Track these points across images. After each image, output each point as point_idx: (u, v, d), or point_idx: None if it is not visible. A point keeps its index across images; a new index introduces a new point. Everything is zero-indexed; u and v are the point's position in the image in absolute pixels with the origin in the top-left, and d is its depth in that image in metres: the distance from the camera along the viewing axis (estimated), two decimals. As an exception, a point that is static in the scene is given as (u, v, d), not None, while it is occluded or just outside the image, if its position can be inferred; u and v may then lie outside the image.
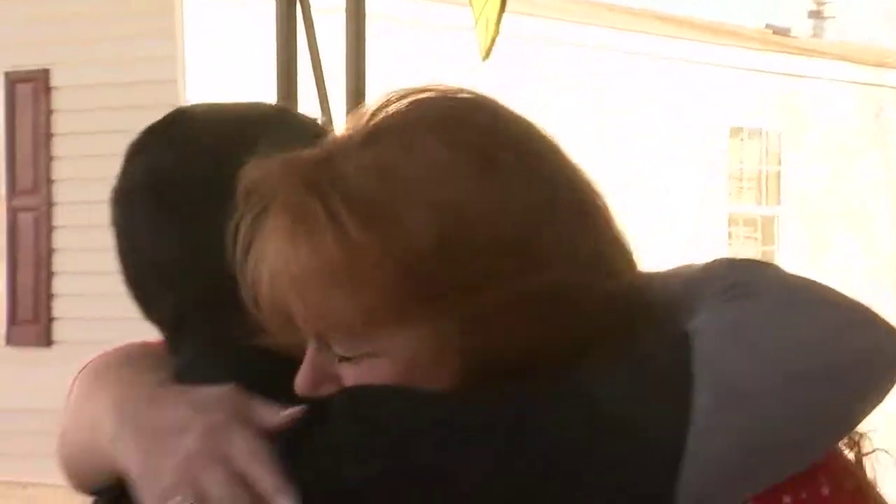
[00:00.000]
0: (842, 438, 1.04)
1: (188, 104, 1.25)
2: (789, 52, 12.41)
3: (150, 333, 1.25)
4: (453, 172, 1.04)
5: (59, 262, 8.47)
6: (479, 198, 1.03)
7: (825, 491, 1.03)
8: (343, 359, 1.05)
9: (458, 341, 1.02)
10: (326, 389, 1.05)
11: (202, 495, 1.02)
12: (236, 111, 1.24)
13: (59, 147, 8.47)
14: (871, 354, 1.02)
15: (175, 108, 1.25)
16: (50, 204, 8.47)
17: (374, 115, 1.08)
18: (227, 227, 1.08)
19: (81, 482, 1.19)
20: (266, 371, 1.09)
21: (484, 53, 3.92)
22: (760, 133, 11.94)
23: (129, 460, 1.07)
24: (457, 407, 1.01)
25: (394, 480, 0.99)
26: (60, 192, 8.45)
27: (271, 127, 1.13)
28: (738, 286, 1.05)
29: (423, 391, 1.02)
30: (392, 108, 1.08)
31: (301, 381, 1.06)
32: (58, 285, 8.48)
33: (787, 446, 0.99)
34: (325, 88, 3.97)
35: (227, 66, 7.70)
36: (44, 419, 8.92)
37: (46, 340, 8.48)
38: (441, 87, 1.11)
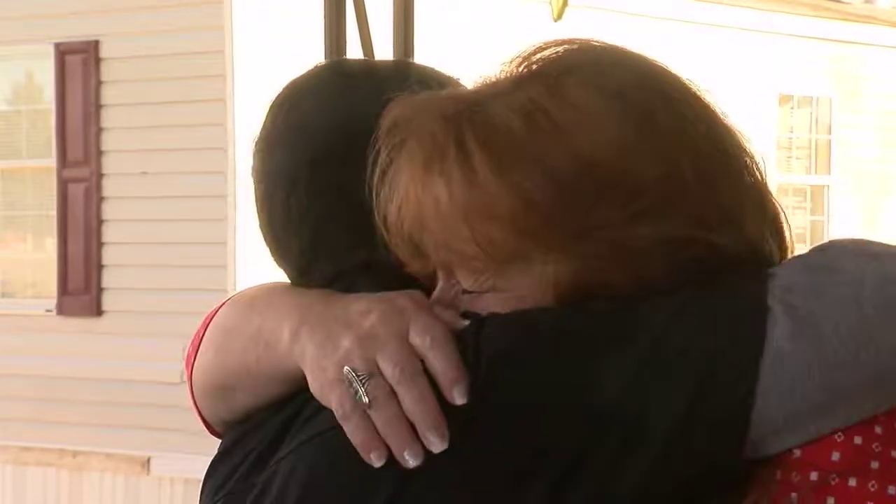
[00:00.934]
0: None
1: (344, 59, 1.26)
2: (841, 19, 12.28)
3: (197, 305, 1.25)
4: (597, 119, 1.05)
5: (108, 233, 8.53)
6: (618, 147, 1.05)
7: None
8: (466, 291, 1.08)
9: (573, 281, 1.04)
10: None
11: (374, 370, 1.03)
12: (381, 67, 1.26)
13: (108, 119, 8.51)
14: None
15: (325, 62, 1.26)
16: (100, 175, 8.52)
17: (525, 59, 1.10)
18: (361, 177, 1.10)
19: (231, 410, 1.17)
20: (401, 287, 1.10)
21: (556, 14, 3.91)
22: (811, 101, 11.83)
23: (306, 349, 1.07)
24: (595, 321, 1.03)
25: (550, 386, 1.01)
26: (110, 164, 8.50)
27: (414, 82, 1.14)
28: (821, 246, 1.08)
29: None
30: (544, 54, 1.10)
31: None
32: (107, 256, 8.53)
33: (864, 381, 1.00)
34: (373, 54, 3.96)
35: (275, 36, 7.70)
36: (93, 388, 9.00)
37: (96, 310, 8.54)
38: (588, 39, 1.12)
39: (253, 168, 1.22)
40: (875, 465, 0.99)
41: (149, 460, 8.15)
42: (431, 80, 1.17)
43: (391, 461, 1.01)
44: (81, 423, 8.43)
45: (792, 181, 11.77)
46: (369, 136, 1.09)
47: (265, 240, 1.22)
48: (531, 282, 1.06)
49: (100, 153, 8.52)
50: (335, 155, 1.15)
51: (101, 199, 8.52)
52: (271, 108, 1.22)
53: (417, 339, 1.03)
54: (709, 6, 11.02)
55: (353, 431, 1.02)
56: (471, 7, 8.86)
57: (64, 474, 8.59)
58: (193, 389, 1.21)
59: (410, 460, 1.00)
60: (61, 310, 8.65)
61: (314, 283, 1.17)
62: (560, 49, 1.10)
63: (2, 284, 9.19)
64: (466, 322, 1.06)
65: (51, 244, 8.79)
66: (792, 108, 11.81)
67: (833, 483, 0.99)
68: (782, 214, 1.12)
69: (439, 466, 1.01)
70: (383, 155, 1.07)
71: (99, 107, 8.51)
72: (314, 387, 1.06)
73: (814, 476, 0.99)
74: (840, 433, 1.00)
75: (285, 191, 1.18)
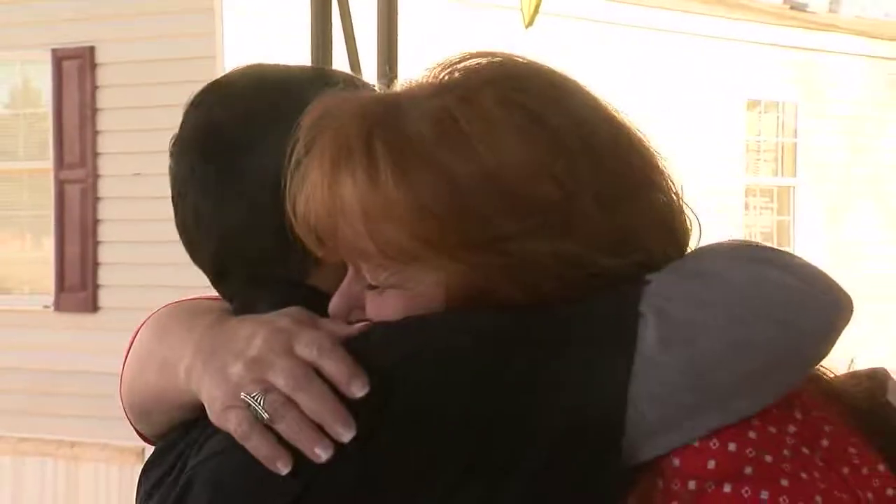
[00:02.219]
0: (794, 378, 1.03)
1: (258, 63, 1.25)
2: (806, 27, 12.32)
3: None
4: (505, 134, 1.04)
5: (104, 232, 8.51)
6: (522, 164, 1.04)
7: (797, 413, 1.02)
8: (370, 286, 1.07)
9: (463, 287, 1.04)
10: (355, 316, 1.08)
11: (269, 388, 1.02)
12: (288, 73, 1.24)
13: (104, 122, 8.49)
14: (812, 300, 1.03)
15: (243, 66, 1.25)
16: (95, 176, 8.50)
17: (449, 67, 1.09)
18: (265, 180, 1.09)
19: (154, 428, 1.18)
20: (306, 303, 1.09)
21: (527, 21, 3.89)
22: (777, 106, 11.87)
23: (202, 382, 1.06)
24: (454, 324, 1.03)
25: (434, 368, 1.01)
26: (105, 165, 8.48)
27: (317, 88, 1.13)
28: (697, 251, 1.08)
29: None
30: (467, 64, 1.09)
31: (334, 305, 1.09)
32: (103, 254, 8.52)
33: (734, 382, 0.99)
34: (359, 67, 3.96)
35: (263, 43, 7.69)
36: (89, 382, 9.00)
37: (93, 307, 8.52)
38: (511, 54, 1.11)
39: (169, 168, 1.20)
40: (748, 470, 0.98)
41: (143, 451, 8.13)
42: (349, 85, 1.16)
43: (274, 476, 1.00)
44: (78, 415, 8.41)
45: (759, 182, 11.80)
46: (282, 141, 1.08)
47: (181, 240, 1.21)
48: (428, 283, 1.04)
49: (95, 155, 8.50)
50: (251, 163, 1.14)
51: (96, 199, 8.50)
52: (186, 109, 1.21)
53: (304, 351, 1.02)
54: (678, 14, 11.04)
55: (256, 448, 1.01)
56: (452, 13, 8.86)
57: (61, 464, 8.56)
58: (124, 407, 1.22)
59: (322, 454, 0.99)
60: (59, 306, 8.63)
61: (229, 287, 1.17)
62: (483, 61, 1.08)
63: (1, 281, 9.16)
64: (353, 327, 1.05)
65: (48, 243, 8.76)
66: (759, 112, 11.84)
67: (710, 491, 0.98)
68: (692, 233, 1.10)
69: (340, 470, 0.99)
70: (300, 145, 1.06)
71: (94, 110, 8.49)
72: (212, 416, 1.05)
73: (692, 485, 0.98)
74: (715, 440, 0.99)
75: (196, 193, 1.17)
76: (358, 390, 1.00)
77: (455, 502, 0.98)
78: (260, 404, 1.01)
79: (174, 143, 1.20)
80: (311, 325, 1.05)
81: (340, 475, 1.00)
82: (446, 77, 1.08)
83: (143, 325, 1.21)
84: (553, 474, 0.99)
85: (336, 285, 1.10)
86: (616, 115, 1.09)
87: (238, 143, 1.16)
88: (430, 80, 1.09)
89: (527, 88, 1.06)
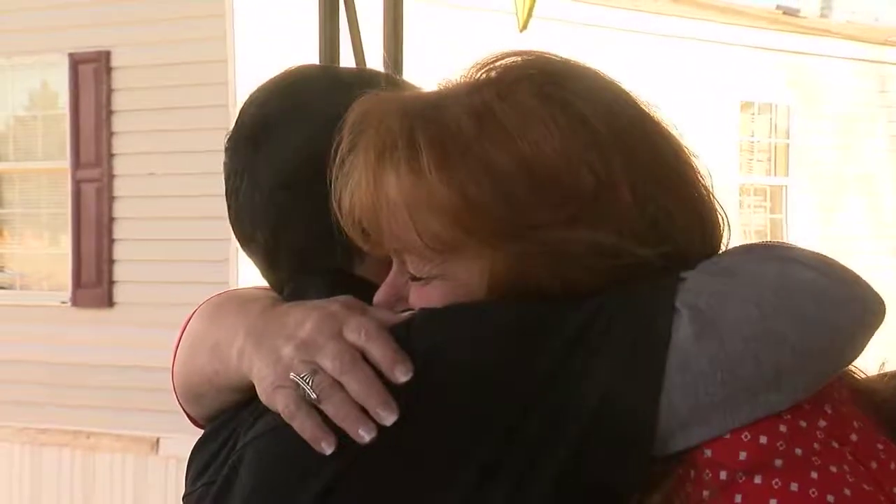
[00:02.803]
0: (824, 374, 1.02)
1: (297, 66, 1.26)
2: (798, 32, 12.31)
3: (201, 297, 1.26)
4: (542, 126, 1.04)
5: (119, 230, 8.51)
6: (559, 154, 1.04)
7: (827, 408, 1.02)
8: (414, 278, 1.07)
9: (505, 276, 1.04)
10: (400, 307, 1.08)
11: (318, 370, 1.02)
12: (342, 75, 1.25)
13: (119, 123, 8.49)
14: (845, 299, 1.03)
15: (293, 66, 1.25)
16: (111, 176, 8.50)
17: (485, 66, 1.09)
18: (317, 179, 1.09)
19: (206, 409, 1.18)
20: (353, 291, 1.10)
21: (521, 25, 3.87)
22: (770, 107, 11.86)
23: (253, 363, 1.07)
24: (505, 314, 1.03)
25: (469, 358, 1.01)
26: (120, 165, 8.49)
27: (361, 87, 1.13)
28: (729, 250, 1.08)
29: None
30: (503, 62, 1.09)
31: (379, 297, 1.09)
32: (118, 251, 8.52)
33: (764, 378, 0.99)
34: (364, 58, 3.96)
35: (273, 47, 7.69)
36: (105, 374, 8.99)
37: (108, 302, 8.53)
38: (545, 52, 1.11)
39: (224, 164, 1.21)
40: (779, 462, 0.98)
41: (157, 441, 8.14)
42: (388, 85, 1.17)
43: (319, 456, 1.01)
44: (94, 407, 8.41)
45: (753, 182, 11.79)
46: (334, 141, 1.09)
47: (234, 232, 1.21)
48: (470, 273, 1.05)
49: (111, 156, 8.50)
50: (299, 158, 1.15)
51: (112, 198, 8.51)
52: (242, 107, 1.22)
53: (352, 335, 1.03)
54: (674, 19, 11.04)
55: (302, 427, 1.02)
56: (456, 15, 8.86)
57: (78, 454, 8.57)
58: (175, 391, 1.22)
59: (366, 436, 1.00)
60: (75, 301, 8.63)
61: (281, 277, 1.18)
62: (518, 58, 1.09)
63: (20, 278, 9.17)
64: (400, 315, 1.06)
65: (65, 240, 8.76)
66: (753, 114, 11.83)
67: (740, 481, 0.97)
68: (722, 227, 1.10)
69: (380, 451, 1.00)
70: (345, 143, 1.07)
71: (110, 112, 8.49)
72: (261, 395, 1.06)
73: (723, 475, 0.98)
74: (747, 433, 0.98)
75: (250, 187, 1.18)
76: (402, 375, 1.01)
77: (482, 493, 0.98)
78: (308, 384, 1.02)
79: (229, 139, 1.21)
80: (361, 312, 1.05)
81: (380, 457, 1.00)
82: (483, 75, 1.08)
83: (192, 314, 1.21)
84: (581, 466, 0.98)
85: (379, 276, 1.10)
86: (649, 110, 1.10)
87: (285, 137, 1.17)
88: (467, 79, 1.09)
89: (561, 83, 1.06)
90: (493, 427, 0.99)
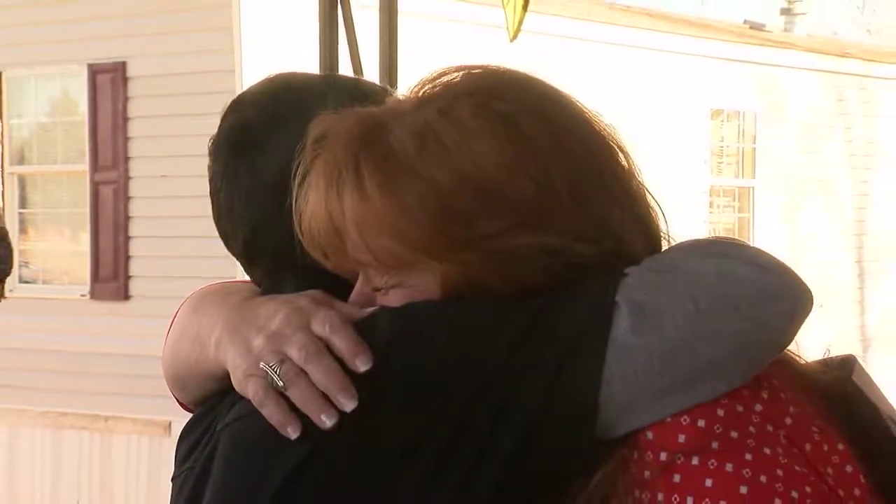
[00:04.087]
0: (757, 364, 1.01)
1: (283, 72, 1.25)
2: (764, 45, 12.32)
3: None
4: (482, 141, 1.02)
5: (134, 228, 8.50)
6: (499, 166, 1.02)
7: (764, 393, 1.01)
8: (376, 289, 1.06)
9: (457, 283, 1.03)
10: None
11: (285, 359, 1.02)
12: (306, 81, 1.23)
13: (134, 129, 8.48)
14: (776, 293, 1.02)
15: (271, 75, 1.24)
16: (127, 178, 8.49)
17: (429, 83, 1.08)
18: (284, 177, 1.09)
19: (190, 395, 1.18)
20: (326, 287, 1.09)
21: (512, 35, 3.83)
22: (738, 114, 11.87)
23: (228, 353, 1.07)
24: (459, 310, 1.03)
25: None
26: (135, 168, 8.47)
27: (326, 96, 1.13)
28: (671, 247, 1.07)
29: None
30: (444, 79, 1.08)
31: (351, 301, 1.08)
32: (133, 248, 8.51)
33: (700, 368, 0.98)
34: (362, 77, 3.96)
35: (277, 57, 7.69)
36: (121, 363, 8.99)
37: (124, 295, 8.52)
38: (489, 65, 1.09)
39: (208, 167, 1.21)
40: (715, 445, 0.97)
41: (170, 424, 8.13)
42: (355, 92, 1.16)
43: (285, 441, 1.00)
44: (111, 392, 8.40)
45: (722, 184, 11.80)
46: (298, 141, 1.08)
47: (218, 231, 1.21)
48: (425, 282, 1.04)
49: (127, 159, 8.49)
50: (276, 162, 1.13)
51: (128, 198, 8.49)
52: (223, 113, 1.21)
53: (318, 328, 1.03)
54: (650, 33, 11.04)
55: (271, 414, 1.01)
56: (448, 28, 8.86)
57: (96, 436, 8.56)
58: (165, 378, 1.22)
59: (327, 421, 0.99)
60: (94, 294, 8.62)
61: (260, 273, 1.17)
62: (459, 74, 1.07)
63: (42, 272, 9.15)
64: (365, 310, 1.05)
65: (84, 238, 8.75)
66: (722, 121, 11.84)
67: (679, 462, 0.97)
68: (658, 222, 1.08)
69: (343, 440, 0.99)
70: (304, 163, 1.06)
71: (126, 119, 8.48)
72: (235, 383, 1.06)
73: (663, 456, 0.97)
74: (686, 417, 0.98)
75: (230, 188, 1.17)
76: (362, 365, 1.00)
77: (434, 483, 0.97)
78: (276, 373, 1.02)
79: (212, 144, 1.21)
80: (328, 306, 1.05)
81: (342, 443, 1.00)
82: (427, 92, 1.07)
83: (181, 305, 1.21)
84: (529, 453, 0.98)
85: (351, 272, 1.10)
86: (585, 114, 1.08)
87: (263, 142, 1.16)
88: (413, 96, 1.07)
89: (500, 96, 1.05)
90: (445, 419, 0.98)
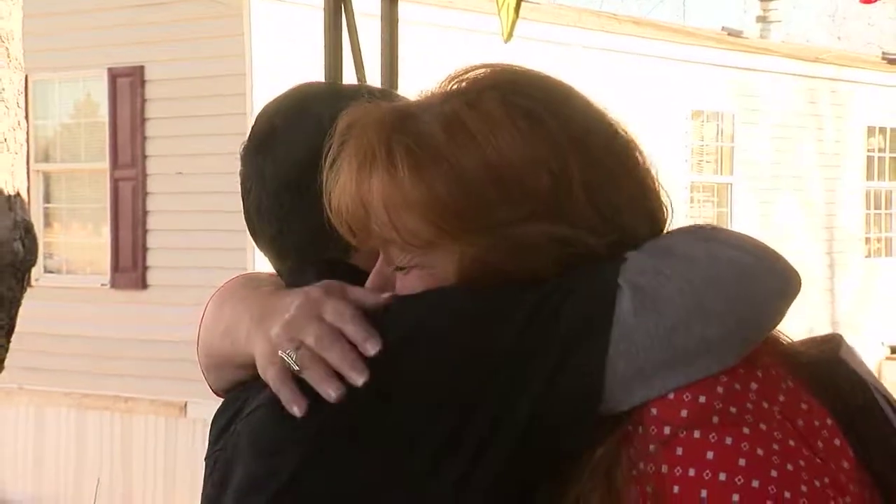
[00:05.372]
0: (750, 341, 1.01)
1: (305, 82, 1.26)
2: (741, 50, 12.32)
3: (222, 280, 1.25)
4: (505, 132, 1.03)
5: (151, 222, 8.50)
6: (520, 157, 1.03)
7: (758, 372, 1.01)
8: (397, 268, 1.06)
9: (474, 266, 1.03)
10: (386, 291, 1.07)
11: (299, 345, 1.03)
12: (330, 89, 1.25)
13: (151, 129, 8.47)
14: (765, 274, 1.02)
15: (297, 84, 1.25)
16: (144, 175, 8.48)
17: (456, 78, 1.08)
18: (315, 182, 1.09)
19: (222, 383, 1.19)
20: (345, 279, 1.10)
21: (506, 36, 3.81)
22: (717, 115, 11.87)
23: (254, 343, 1.08)
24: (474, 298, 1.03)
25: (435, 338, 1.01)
26: (153, 166, 8.47)
27: (348, 101, 1.13)
28: (667, 233, 1.07)
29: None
30: (471, 74, 1.08)
31: (369, 283, 1.09)
32: (151, 240, 8.50)
33: (696, 345, 0.98)
34: (364, 82, 3.95)
35: (285, 63, 7.67)
36: (140, 347, 8.99)
37: (142, 284, 8.51)
38: (510, 64, 1.10)
39: (239, 169, 1.22)
40: (716, 419, 0.97)
41: (185, 405, 8.13)
42: (383, 97, 1.16)
43: (298, 426, 1.01)
44: (130, 375, 8.41)
45: (702, 180, 11.81)
46: (321, 140, 1.09)
47: (248, 228, 1.22)
48: (444, 263, 1.04)
49: (144, 157, 8.48)
50: (299, 161, 1.15)
51: (145, 194, 8.49)
52: (255, 120, 1.22)
53: (331, 317, 1.03)
54: (635, 39, 11.03)
55: (285, 396, 1.02)
56: (446, 36, 8.85)
57: (117, 416, 8.56)
58: (200, 366, 1.22)
59: (333, 394, 1.00)
60: (114, 284, 8.62)
61: (286, 266, 1.18)
62: (485, 70, 1.07)
63: (66, 263, 9.15)
64: (379, 297, 1.05)
65: (105, 231, 8.74)
66: (702, 121, 11.84)
67: (682, 436, 0.97)
68: (667, 213, 1.08)
69: (353, 428, 1.00)
70: (334, 149, 1.06)
71: (144, 120, 8.47)
72: (259, 369, 1.07)
73: (667, 430, 0.97)
74: (688, 393, 0.98)
75: (258, 188, 1.18)
76: (372, 348, 1.00)
77: (447, 461, 0.97)
78: (292, 358, 1.03)
79: (243, 149, 1.21)
80: (340, 295, 1.05)
81: (353, 434, 1.00)
82: (455, 86, 1.07)
83: (211, 297, 1.22)
84: (539, 431, 0.97)
85: (370, 265, 1.10)
86: (602, 114, 1.08)
87: (290, 147, 1.17)
88: (440, 90, 1.08)
89: (524, 92, 1.05)
90: (454, 403, 0.97)
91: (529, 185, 1.02)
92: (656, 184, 1.09)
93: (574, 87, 1.09)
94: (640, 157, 1.08)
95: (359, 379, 0.99)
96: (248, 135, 1.22)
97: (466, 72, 1.08)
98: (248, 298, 1.13)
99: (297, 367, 1.02)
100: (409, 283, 1.06)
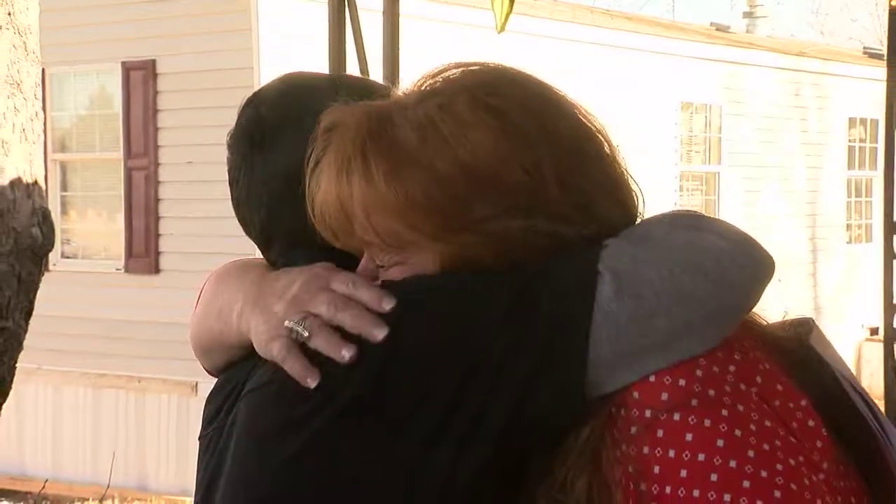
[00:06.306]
0: (727, 324, 1.01)
1: (295, 72, 1.24)
2: (729, 45, 12.29)
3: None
4: (478, 133, 1.02)
5: (163, 210, 8.49)
6: (493, 156, 1.02)
7: (736, 355, 1.01)
8: (379, 266, 1.06)
9: (453, 262, 1.02)
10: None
11: (307, 315, 1.01)
12: (315, 79, 1.22)
13: (163, 120, 8.45)
14: (740, 259, 1.01)
15: (282, 75, 1.23)
16: (157, 164, 8.47)
17: (431, 78, 1.07)
18: (295, 166, 1.08)
19: (214, 363, 1.18)
20: (335, 262, 1.08)
21: (499, 27, 3.77)
22: (705, 107, 11.85)
23: (250, 321, 1.06)
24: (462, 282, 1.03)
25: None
26: (165, 155, 8.46)
27: (335, 94, 1.12)
28: (646, 220, 1.06)
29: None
30: (445, 75, 1.06)
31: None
32: (163, 227, 8.50)
33: (676, 329, 0.98)
34: (367, 74, 3.95)
35: (290, 55, 7.66)
36: (153, 329, 8.99)
37: (155, 269, 8.51)
38: (486, 62, 1.08)
39: (227, 158, 1.20)
40: (695, 402, 0.97)
41: (196, 385, 8.15)
42: (362, 91, 1.14)
43: (299, 402, 1.00)
44: (143, 356, 8.41)
45: (691, 169, 11.80)
46: (309, 134, 1.07)
47: (237, 216, 1.19)
48: (425, 261, 1.03)
49: (157, 147, 8.47)
50: (287, 153, 1.13)
51: (157, 183, 8.48)
52: (240, 108, 1.20)
53: (341, 287, 1.02)
54: (627, 33, 11.01)
55: (292, 367, 1.01)
56: (444, 30, 8.83)
57: (131, 395, 8.57)
58: (192, 347, 1.21)
59: (347, 354, 0.99)
60: (128, 268, 8.62)
61: (274, 253, 1.16)
62: (459, 70, 1.06)
63: (82, 249, 9.14)
64: (373, 283, 1.04)
65: (119, 218, 8.74)
66: (691, 113, 11.82)
67: (662, 418, 0.96)
68: (637, 204, 1.07)
69: (354, 412, 0.99)
70: (316, 151, 1.05)
71: (156, 111, 8.46)
72: (258, 347, 1.05)
73: (648, 413, 0.97)
74: (668, 377, 0.97)
75: (247, 177, 1.16)
76: (388, 304, 0.99)
77: (439, 439, 0.97)
78: (301, 326, 1.01)
79: (231, 136, 1.19)
80: (341, 271, 1.05)
81: (354, 416, 0.99)
82: (429, 86, 1.05)
83: (206, 281, 1.20)
84: (525, 410, 0.97)
85: (359, 250, 1.09)
86: (575, 107, 1.07)
87: (275, 138, 1.15)
88: (416, 89, 1.06)
89: (496, 92, 1.04)
90: (447, 381, 0.97)
91: (503, 181, 1.01)
92: (626, 174, 1.07)
93: (547, 83, 1.07)
94: (608, 149, 1.07)
95: (379, 333, 0.98)
96: (235, 122, 1.19)
97: (440, 71, 1.06)
98: (242, 280, 1.12)
99: (306, 334, 1.00)
100: (392, 278, 1.05)
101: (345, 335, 1.00)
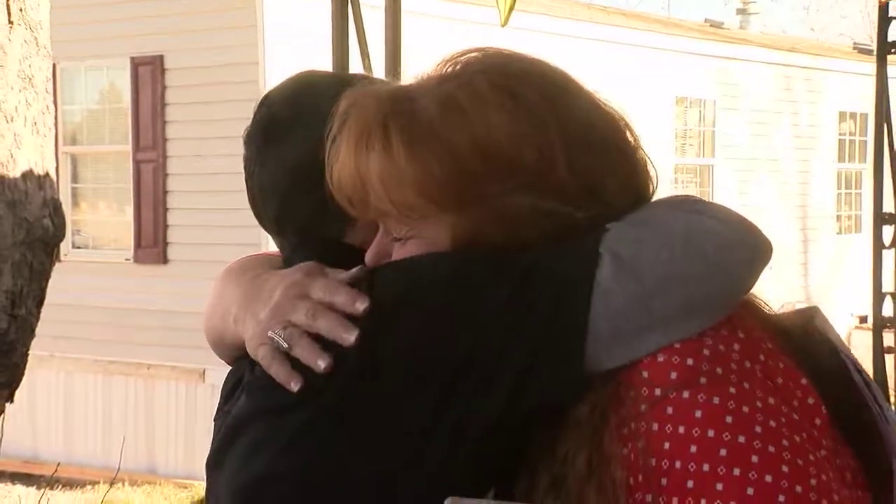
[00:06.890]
0: (724, 305, 1.01)
1: (306, 71, 1.25)
2: (722, 41, 12.27)
3: (238, 256, 1.26)
4: (495, 111, 1.03)
5: (171, 201, 8.49)
6: (507, 134, 1.02)
7: (740, 334, 1.01)
8: (395, 239, 1.06)
9: (464, 236, 1.03)
10: (385, 262, 1.07)
11: (288, 325, 1.03)
12: (326, 78, 1.23)
13: (171, 114, 8.45)
14: (738, 242, 1.02)
15: (294, 74, 1.24)
16: (165, 157, 8.47)
17: (451, 61, 1.08)
18: (306, 160, 1.09)
19: (225, 357, 1.20)
20: (341, 258, 1.10)
21: (503, 21, 3.76)
22: (700, 102, 11.84)
23: (246, 328, 1.09)
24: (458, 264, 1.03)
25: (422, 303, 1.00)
26: (173, 149, 8.45)
27: (346, 89, 1.12)
28: (648, 204, 1.06)
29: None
30: (466, 57, 1.07)
31: (369, 255, 1.08)
32: (171, 218, 8.50)
33: (675, 308, 0.98)
34: (370, 70, 3.94)
35: (295, 52, 7.65)
36: (161, 318, 8.99)
37: (163, 259, 8.52)
38: (501, 48, 1.09)
39: (243, 155, 1.21)
40: (703, 380, 0.97)
41: (204, 372, 8.15)
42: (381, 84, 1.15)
43: (296, 402, 1.01)
44: (152, 344, 8.42)
45: (686, 162, 11.79)
46: (317, 131, 1.08)
47: (252, 209, 1.21)
48: (437, 233, 1.04)
49: (165, 140, 8.47)
50: (302, 148, 1.14)
51: (165, 175, 8.48)
52: (256, 107, 1.21)
53: (319, 293, 1.03)
54: (623, 29, 10.99)
55: (277, 373, 1.03)
56: (446, 26, 8.82)
57: (140, 381, 8.58)
58: (208, 341, 1.23)
59: (322, 364, 1.00)
60: (137, 259, 8.62)
61: (287, 245, 1.18)
62: (478, 54, 1.07)
63: (92, 239, 9.15)
64: (352, 270, 1.05)
65: (128, 209, 8.74)
66: (686, 107, 11.81)
67: (671, 396, 0.97)
68: (651, 186, 1.07)
69: (344, 399, 0.99)
70: (335, 128, 1.06)
71: (164, 105, 8.45)
72: (249, 351, 1.08)
73: (657, 391, 0.97)
74: (676, 356, 0.98)
75: (261, 172, 1.18)
76: (361, 305, 1.01)
77: (439, 418, 0.97)
78: (281, 337, 1.03)
79: (245, 134, 1.20)
80: (321, 275, 1.06)
81: (346, 402, 0.99)
82: (449, 69, 1.07)
83: (217, 278, 1.22)
84: (527, 385, 0.97)
85: (365, 243, 1.10)
86: (592, 95, 1.08)
87: (286, 135, 1.16)
88: (436, 72, 1.07)
89: (512, 74, 1.05)
90: (447, 362, 0.97)
91: (515, 160, 1.02)
92: (645, 160, 1.08)
93: (566, 72, 1.09)
94: (628, 136, 1.07)
95: (350, 337, 0.99)
96: (251, 120, 1.21)
97: (461, 55, 1.08)
98: (239, 283, 1.14)
99: (286, 345, 1.02)
100: (405, 253, 1.05)
101: (325, 342, 1.02)
